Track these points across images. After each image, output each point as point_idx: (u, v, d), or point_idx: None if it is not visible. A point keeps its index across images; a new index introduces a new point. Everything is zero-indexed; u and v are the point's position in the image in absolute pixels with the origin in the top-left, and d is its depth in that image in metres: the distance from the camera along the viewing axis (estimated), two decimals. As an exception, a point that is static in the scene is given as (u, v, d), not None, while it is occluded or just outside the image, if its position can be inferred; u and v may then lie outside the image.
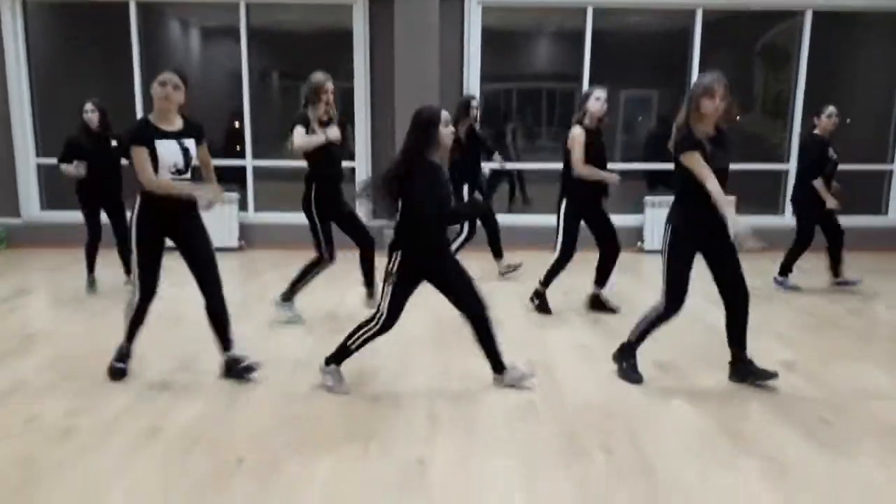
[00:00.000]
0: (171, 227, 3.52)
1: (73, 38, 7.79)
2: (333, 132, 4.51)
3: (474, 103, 5.92)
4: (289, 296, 4.71)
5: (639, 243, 7.44)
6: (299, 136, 4.44)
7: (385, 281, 3.37)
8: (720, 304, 5.34)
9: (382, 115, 7.30)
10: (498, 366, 3.61)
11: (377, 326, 3.38)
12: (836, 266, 5.82)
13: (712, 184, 3.31)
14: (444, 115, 3.33)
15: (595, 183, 4.75)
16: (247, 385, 3.62)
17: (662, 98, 8.56)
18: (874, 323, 5.09)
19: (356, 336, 3.43)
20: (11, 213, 7.48)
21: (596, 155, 4.71)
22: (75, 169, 5.22)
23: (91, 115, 5.19)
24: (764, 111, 8.67)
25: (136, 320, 3.62)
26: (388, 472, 2.75)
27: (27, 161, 7.42)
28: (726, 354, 4.02)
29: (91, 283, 5.49)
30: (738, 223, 3.29)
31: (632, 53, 7.99)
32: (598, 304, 5.04)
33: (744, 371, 3.68)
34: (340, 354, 3.49)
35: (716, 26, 7.49)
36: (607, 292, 5.06)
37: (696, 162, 3.35)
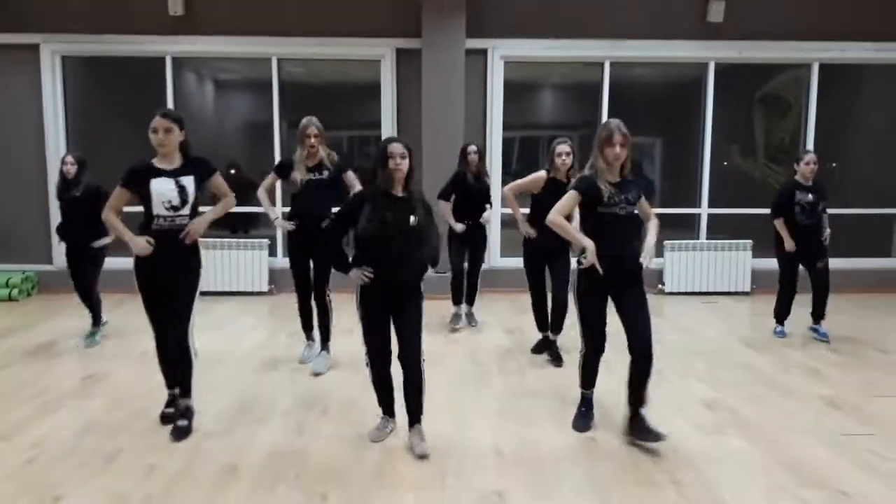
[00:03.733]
0: (162, 267, 3.51)
1: (107, 90, 8.01)
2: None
3: (471, 149, 5.79)
4: None
5: (660, 286, 7.63)
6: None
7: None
8: (750, 343, 5.54)
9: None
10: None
11: None
12: (815, 312, 5.73)
13: (553, 214, 3.45)
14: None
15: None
16: (311, 423, 3.73)
17: (665, 145, 8.83)
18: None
19: None
20: (45, 260, 7.60)
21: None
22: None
23: (70, 167, 5.37)
24: (767, 157, 8.96)
25: (163, 365, 3.72)
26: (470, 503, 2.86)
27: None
28: (763, 392, 4.21)
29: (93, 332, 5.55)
30: (585, 245, 3.37)
31: (635, 103, 8.24)
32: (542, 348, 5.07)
33: (636, 426, 3.52)
34: None
35: (716, 77, 7.83)
36: None
37: (564, 197, 3.47)
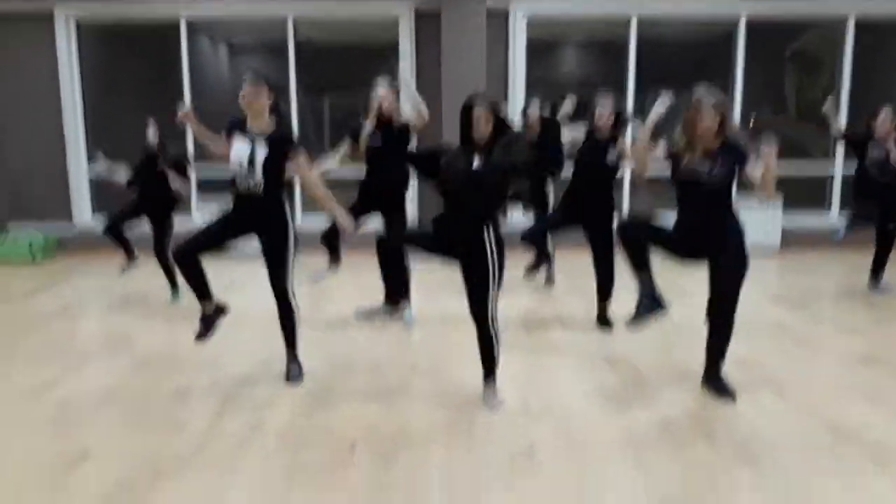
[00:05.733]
0: (252, 226, 3.58)
1: (122, 56, 7.96)
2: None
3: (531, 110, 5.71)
4: None
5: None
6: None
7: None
8: (780, 301, 5.44)
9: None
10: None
11: None
12: (874, 270, 5.65)
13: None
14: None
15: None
16: (337, 380, 3.71)
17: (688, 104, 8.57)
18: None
19: None
20: (64, 218, 7.64)
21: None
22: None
23: (150, 129, 5.35)
24: (798, 116, 8.73)
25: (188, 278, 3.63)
26: (500, 458, 2.82)
27: (79, 169, 7.59)
28: (796, 350, 4.20)
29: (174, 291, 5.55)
30: None
31: (659, 61, 7.98)
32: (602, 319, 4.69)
33: (713, 380, 3.52)
34: None
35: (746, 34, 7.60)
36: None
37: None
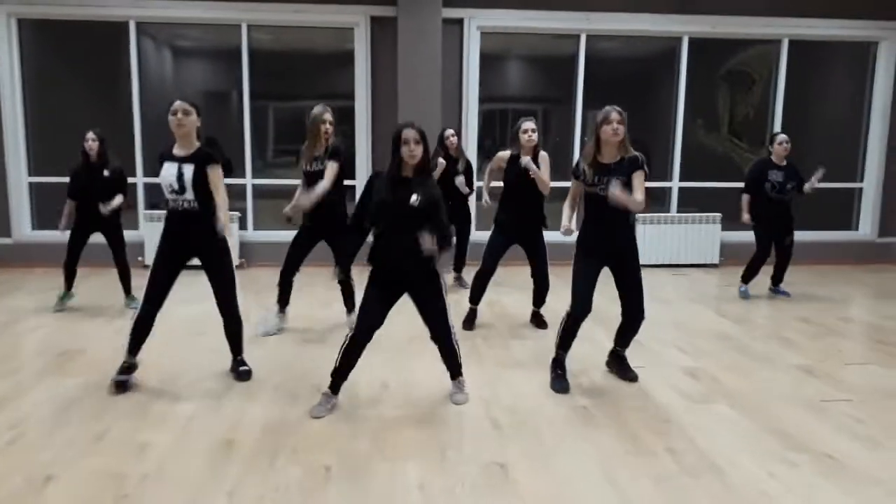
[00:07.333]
0: (190, 246, 3.71)
1: (65, 55, 7.65)
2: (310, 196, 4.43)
3: (448, 132, 6.15)
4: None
5: (632, 259, 7.72)
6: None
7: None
8: (722, 314, 5.69)
9: (384, 138, 7.43)
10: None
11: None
12: (774, 277, 6.33)
13: (568, 201, 3.86)
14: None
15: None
16: (303, 396, 3.69)
17: (631, 119, 8.82)
18: (866, 328, 5.46)
19: None
20: (2, 234, 7.30)
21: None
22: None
23: (91, 143, 5.26)
24: (731, 133, 9.09)
25: (136, 331, 3.75)
26: (474, 476, 2.87)
27: (19, 180, 7.27)
28: (744, 359, 4.44)
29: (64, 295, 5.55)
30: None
31: (602, 76, 8.18)
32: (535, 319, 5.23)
33: (616, 362, 4.08)
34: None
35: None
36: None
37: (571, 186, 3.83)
